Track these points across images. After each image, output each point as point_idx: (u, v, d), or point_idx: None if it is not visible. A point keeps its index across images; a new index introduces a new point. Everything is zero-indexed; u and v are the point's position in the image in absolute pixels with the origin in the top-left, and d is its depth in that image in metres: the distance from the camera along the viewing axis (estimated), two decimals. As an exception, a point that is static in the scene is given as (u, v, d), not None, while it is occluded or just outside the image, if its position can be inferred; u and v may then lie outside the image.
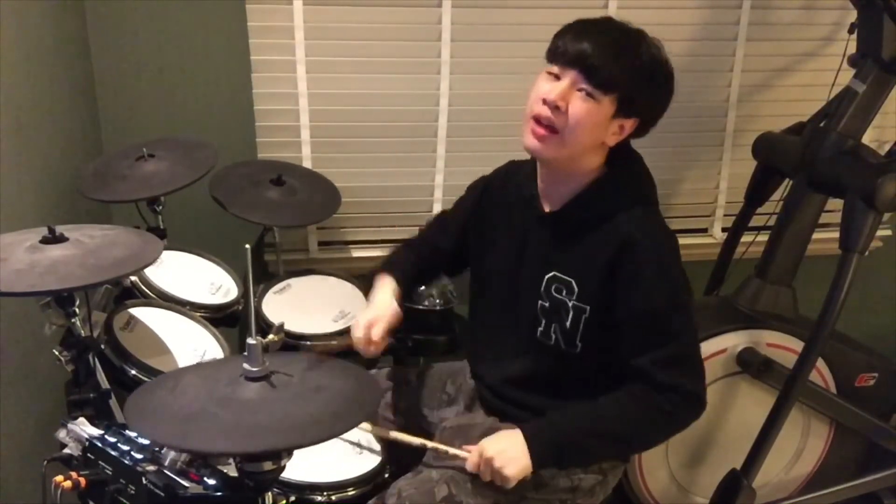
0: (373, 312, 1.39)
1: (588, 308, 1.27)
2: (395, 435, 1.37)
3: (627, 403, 1.25)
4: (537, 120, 1.22)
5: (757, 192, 2.12)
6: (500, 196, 1.43)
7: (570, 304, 1.28)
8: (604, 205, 1.26)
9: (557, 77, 1.21)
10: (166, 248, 1.38)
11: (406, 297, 1.51)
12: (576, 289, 1.27)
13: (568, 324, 1.29)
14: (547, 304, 1.31)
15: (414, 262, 1.55)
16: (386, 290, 1.45)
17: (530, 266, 1.34)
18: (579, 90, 1.19)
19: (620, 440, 1.30)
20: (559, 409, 1.29)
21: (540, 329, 1.32)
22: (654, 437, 1.36)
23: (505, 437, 1.26)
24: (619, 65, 1.18)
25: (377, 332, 1.36)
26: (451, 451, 1.31)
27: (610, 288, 1.24)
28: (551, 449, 1.26)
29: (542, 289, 1.31)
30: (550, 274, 1.30)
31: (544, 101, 1.20)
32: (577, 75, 1.19)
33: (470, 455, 1.27)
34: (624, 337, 1.25)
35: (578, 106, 1.19)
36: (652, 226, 1.27)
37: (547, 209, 1.33)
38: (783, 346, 1.90)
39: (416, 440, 1.35)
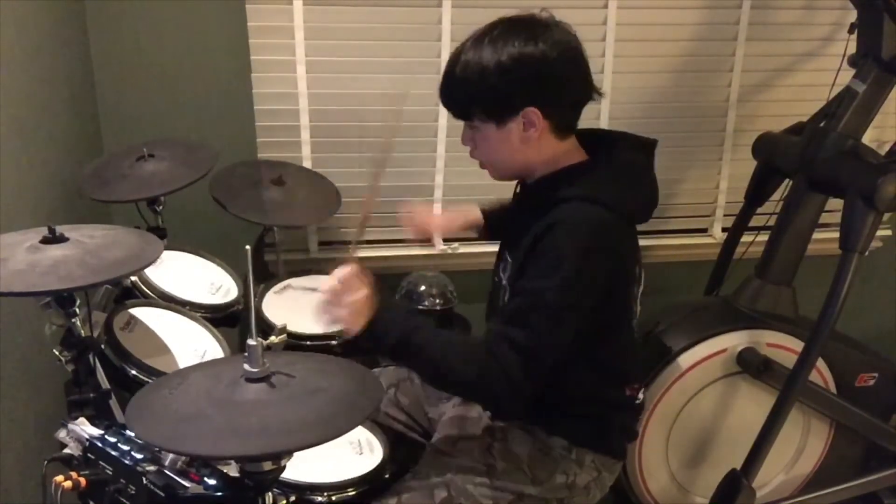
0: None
1: (510, 287, 1.31)
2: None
3: (472, 349, 1.21)
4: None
5: (757, 192, 2.12)
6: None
7: (504, 283, 1.33)
8: (552, 194, 1.25)
9: None
10: (166, 248, 1.38)
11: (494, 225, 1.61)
12: (509, 269, 1.32)
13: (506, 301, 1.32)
14: (501, 283, 1.36)
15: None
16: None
17: (501, 248, 1.41)
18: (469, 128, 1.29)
19: (442, 371, 1.21)
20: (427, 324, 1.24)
21: (500, 307, 1.35)
22: (465, 390, 1.30)
23: (370, 295, 1.20)
24: (459, 89, 1.26)
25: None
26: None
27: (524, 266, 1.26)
28: (389, 328, 1.19)
29: (501, 269, 1.37)
30: (505, 254, 1.37)
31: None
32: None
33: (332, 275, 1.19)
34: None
35: (476, 140, 1.30)
36: (579, 221, 1.21)
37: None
38: (783, 346, 1.90)
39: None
